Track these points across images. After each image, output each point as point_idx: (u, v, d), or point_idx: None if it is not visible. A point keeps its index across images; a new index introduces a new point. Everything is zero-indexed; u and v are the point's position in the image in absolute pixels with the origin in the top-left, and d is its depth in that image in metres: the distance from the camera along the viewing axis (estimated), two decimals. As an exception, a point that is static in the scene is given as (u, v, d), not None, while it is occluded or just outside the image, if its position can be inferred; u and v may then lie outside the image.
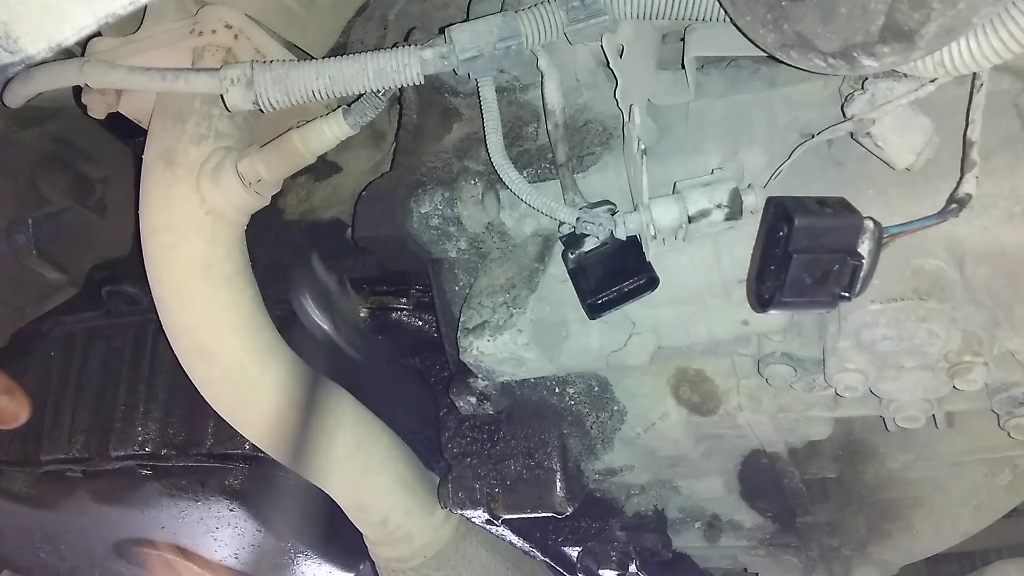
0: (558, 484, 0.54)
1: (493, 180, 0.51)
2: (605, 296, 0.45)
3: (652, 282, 0.45)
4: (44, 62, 0.36)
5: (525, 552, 0.68)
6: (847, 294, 0.39)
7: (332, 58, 0.46)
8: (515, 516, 0.56)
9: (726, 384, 0.55)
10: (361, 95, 0.49)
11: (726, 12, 0.40)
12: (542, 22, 0.44)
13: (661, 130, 0.49)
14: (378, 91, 0.47)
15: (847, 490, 0.62)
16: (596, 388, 0.57)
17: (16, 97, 0.57)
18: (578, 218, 0.45)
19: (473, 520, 0.60)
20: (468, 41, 0.44)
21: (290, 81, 0.46)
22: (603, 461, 0.60)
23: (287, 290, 0.58)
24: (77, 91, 0.57)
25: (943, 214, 0.40)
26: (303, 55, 0.59)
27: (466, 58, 0.44)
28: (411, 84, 0.45)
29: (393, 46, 0.47)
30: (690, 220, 0.44)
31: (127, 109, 0.57)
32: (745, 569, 0.70)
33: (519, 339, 0.48)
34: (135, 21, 0.55)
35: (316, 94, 0.46)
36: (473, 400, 0.54)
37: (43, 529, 0.81)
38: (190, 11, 0.55)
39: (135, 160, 0.60)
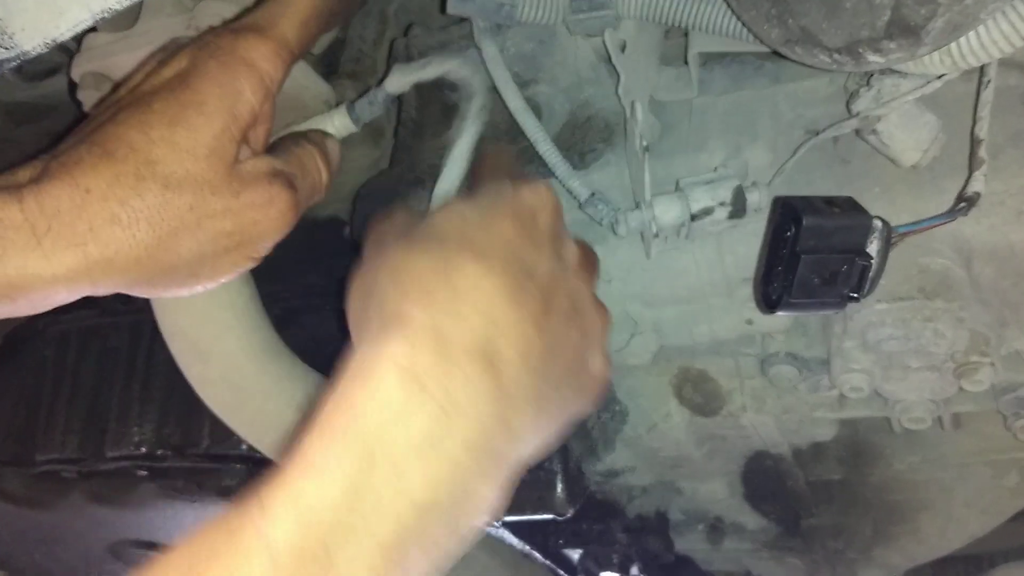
0: (559, 486, 0.53)
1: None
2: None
3: None
4: (39, 58, 0.36)
5: (525, 555, 0.68)
6: (856, 295, 0.39)
7: None
8: (516, 518, 0.55)
9: (729, 384, 0.54)
10: (363, 94, 0.48)
11: (730, 7, 0.39)
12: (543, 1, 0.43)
13: (664, 127, 0.48)
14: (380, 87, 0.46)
15: (852, 492, 0.61)
16: (597, 388, 0.56)
17: None
18: (592, 193, 0.44)
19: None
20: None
21: None
22: (605, 462, 0.59)
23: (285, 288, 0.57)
24: (72, 87, 0.56)
25: (952, 213, 0.40)
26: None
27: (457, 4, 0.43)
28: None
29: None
30: (693, 218, 0.43)
31: (124, 106, 0.56)
32: (748, 572, 0.70)
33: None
34: (131, 17, 0.55)
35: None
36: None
37: (38, 530, 0.81)
38: (187, 6, 0.54)
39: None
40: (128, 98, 0.31)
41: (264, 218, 0.32)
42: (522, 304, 0.25)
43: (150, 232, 0.29)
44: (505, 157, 0.37)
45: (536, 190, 0.30)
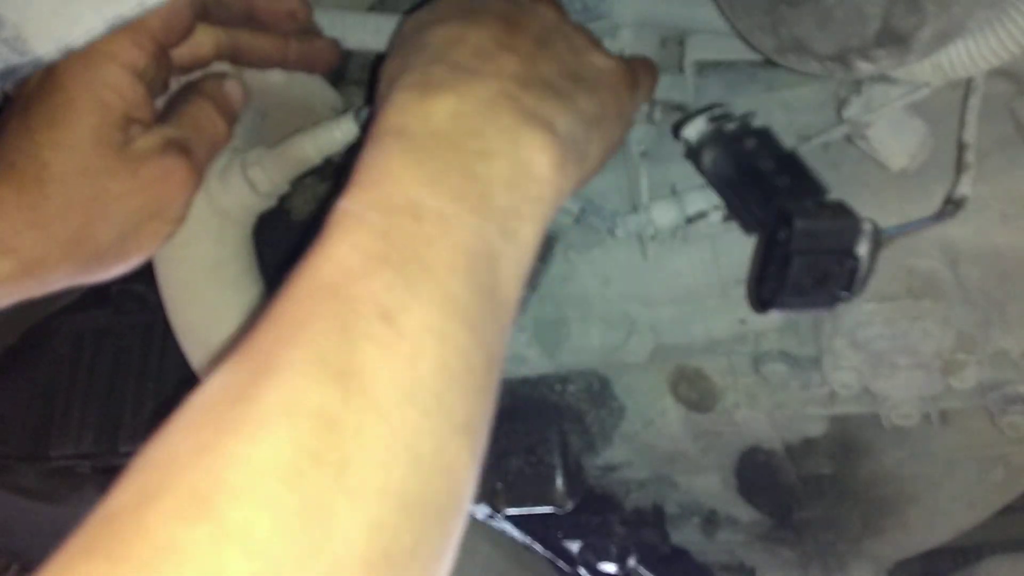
0: (559, 480, 0.55)
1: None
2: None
3: None
4: (52, 64, 0.37)
5: (527, 546, 0.69)
6: (846, 294, 0.40)
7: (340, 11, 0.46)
8: (517, 511, 0.57)
9: (723, 382, 0.56)
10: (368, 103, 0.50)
11: (725, 16, 0.41)
12: None
13: (660, 133, 0.49)
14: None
15: (842, 486, 0.62)
16: (596, 386, 0.58)
17: None
18: (581, 209, 0.45)
19: (475, 515, 0.61)
20: None
21: None
22: (603, 457, 0.61)
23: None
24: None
25: (939, 216, 0.41)
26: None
27: None
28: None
29: None
30: (688, 221, 0.45)
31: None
32: (742, 563, 0.71)
33: (520, 337, 0.49)
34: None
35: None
36: (475, 397, 0.55)
37: (52, 524, 0.83)
38: (197, 14, 0.55)
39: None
40: (17, 103, 0.33)
41: (167, 188, 0.34)
42: (483, 22, 0.30)
43: (65, 229, 0.31)
44: None
45: None
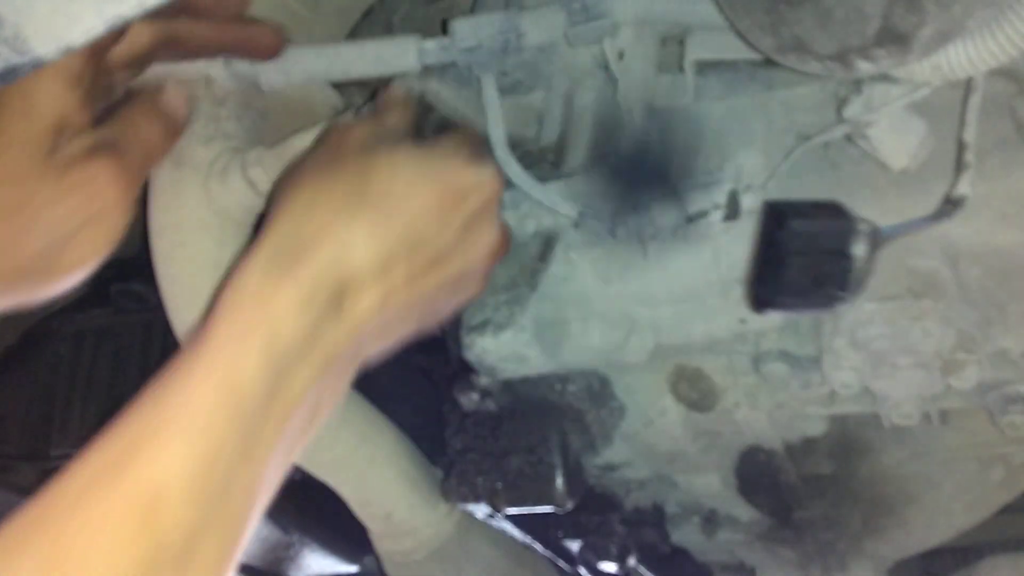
0: (559, 479, 0.55)
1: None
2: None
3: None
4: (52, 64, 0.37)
5: (527, 546, 0.69)
6: (843, 295, 0.40)
7: (332, 43, 0.47)
8: (517, 510, 0.57)
9: (724, 381, 0.56)
10: (368, 102, 0.50)
11: (725, 16, 0.41)
12: (543, 21, 0.45)
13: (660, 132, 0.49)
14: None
15: (842, 486, 0.62)
16: (596, 385, 0.58)
17: None
18: (580, 213, 0.46)
19: (475, 514, 0.61)
20: (468, 31, 0.44)
21: (288, 63, 0.47)
22: (603, 457, 0.61)
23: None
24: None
25: (938, 215, 0.41)
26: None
27: (465, 47, 0.45)
28: (410, 71, 0.46)
29: None
30: (688, 221, 0.45)
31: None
32: (742, 563, 0.71)
33: (521, 337, 0.49)
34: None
35: (315, 76, 0.47)
36: (476, 397, 0.55)
37: (52, 523, 0.82)
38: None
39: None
40: None
41: (94, 191, 0.32)
42: (390, 268, 0.32)
43: None
44: (475, 136, 0.41)
45: (481, 174, 0.35)
